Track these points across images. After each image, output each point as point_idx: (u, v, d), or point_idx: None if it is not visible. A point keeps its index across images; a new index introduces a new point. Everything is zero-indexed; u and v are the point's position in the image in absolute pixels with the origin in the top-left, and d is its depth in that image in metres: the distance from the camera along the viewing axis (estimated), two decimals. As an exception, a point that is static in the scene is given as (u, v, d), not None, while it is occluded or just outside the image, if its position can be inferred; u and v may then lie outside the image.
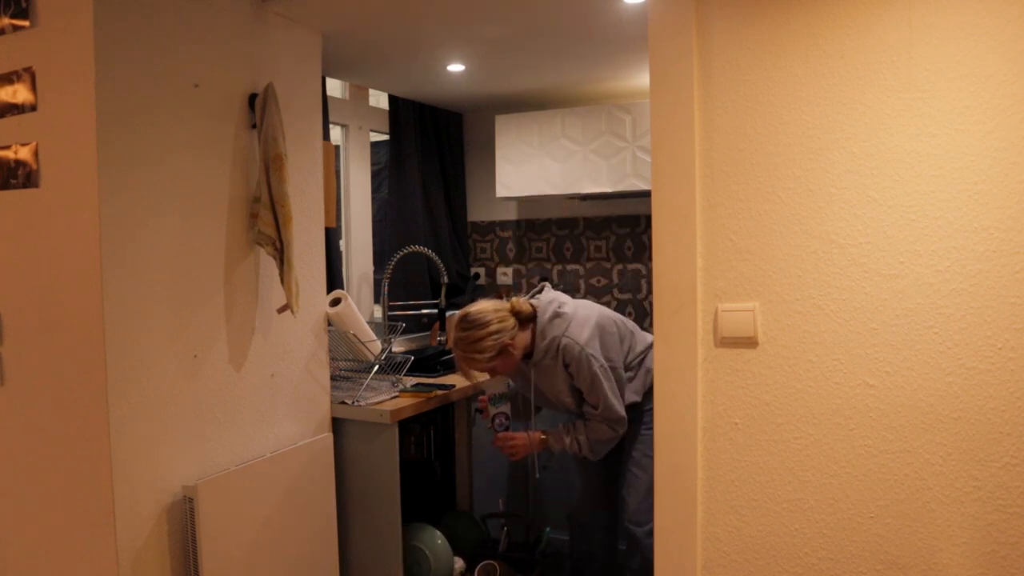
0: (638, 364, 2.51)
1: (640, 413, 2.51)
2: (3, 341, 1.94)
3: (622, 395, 2.43)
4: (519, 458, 2.54)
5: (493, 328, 2.35)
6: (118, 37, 1.79)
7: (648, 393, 2.49)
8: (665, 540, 1.72)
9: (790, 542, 1.63)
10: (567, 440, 2.46)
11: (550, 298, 2.46)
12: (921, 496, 1.51)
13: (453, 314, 3.55)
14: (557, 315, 2.40)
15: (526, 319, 2.41)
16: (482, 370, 2.43)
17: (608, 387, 2.37)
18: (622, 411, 2.40)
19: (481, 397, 2.56)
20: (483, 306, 2.40)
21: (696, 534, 1.69)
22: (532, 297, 2.50)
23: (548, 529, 2.89)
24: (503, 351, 2.36)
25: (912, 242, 1.49)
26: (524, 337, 2.41)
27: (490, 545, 2.81)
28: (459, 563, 2.71)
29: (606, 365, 2.38)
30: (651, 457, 2.47)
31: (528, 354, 2.43)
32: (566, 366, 2.38)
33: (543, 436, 2.50)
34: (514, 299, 2.44)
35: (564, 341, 2.36)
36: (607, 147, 3.32)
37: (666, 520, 1.71)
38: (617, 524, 2.70)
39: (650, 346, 2.56)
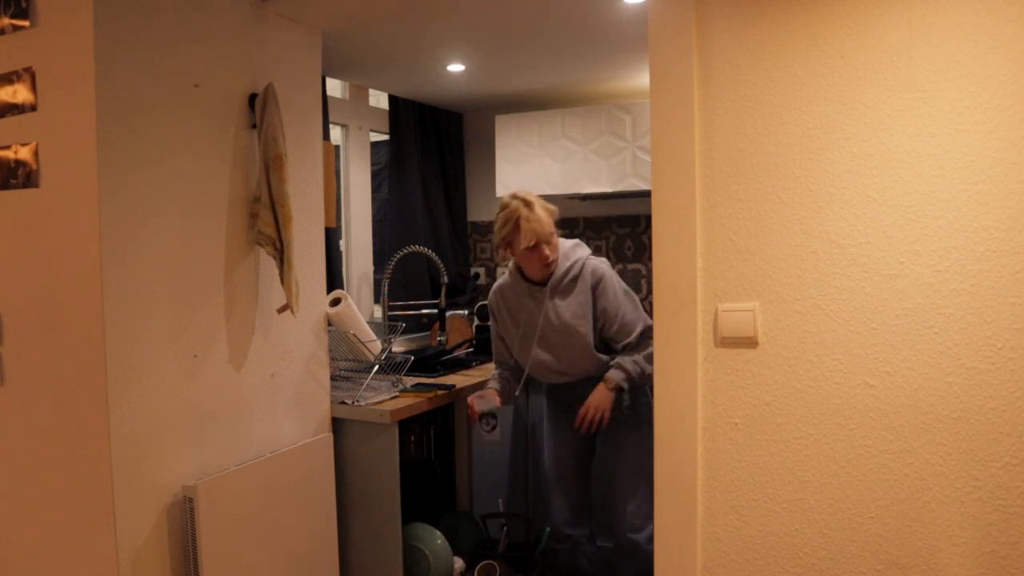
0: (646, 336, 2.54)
1: (625, 417, 2.50)
2: (3, 341, 1.94)
3: None
4: (608, 419, 2.46)
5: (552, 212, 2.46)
6: (118, 37, 1.79)
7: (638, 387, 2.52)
8: (665, 540, 1.72)
9: (790, 542, 1.63)
10: (630, 369, 2.43)
11: (570, 241, 2.57)
12: (921, 496, 1.51)
13: (453, 314, 3.57)
14: (579, 244, 2.52)
15: None
16: (543, 237, 2.41)
17: (639, 304, 2.48)
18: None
19: (470, 399, 2.58)
20: None
21: (696, 534, 1.69)
22: None
23: (548, 529, 2.89)
24: (554, 231, 2.45)
25: (912, 242, 1.49)
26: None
27: (490, 545, 2.81)
28: (459, 563, 2.71)
29: (629, 290, 2.48)
30: (643, 462, 2.46)
31: (542, 283, 2.48)
32: (593, 287, 2.44)
33: (606, 386, 2.45)
34: None
35: (592, 262, 2.46)
36: (607, 147, 3.32)
37: (666, 520, 1.71)
38: (596, 531, 2.70)
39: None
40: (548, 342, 2.52)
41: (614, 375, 2.45)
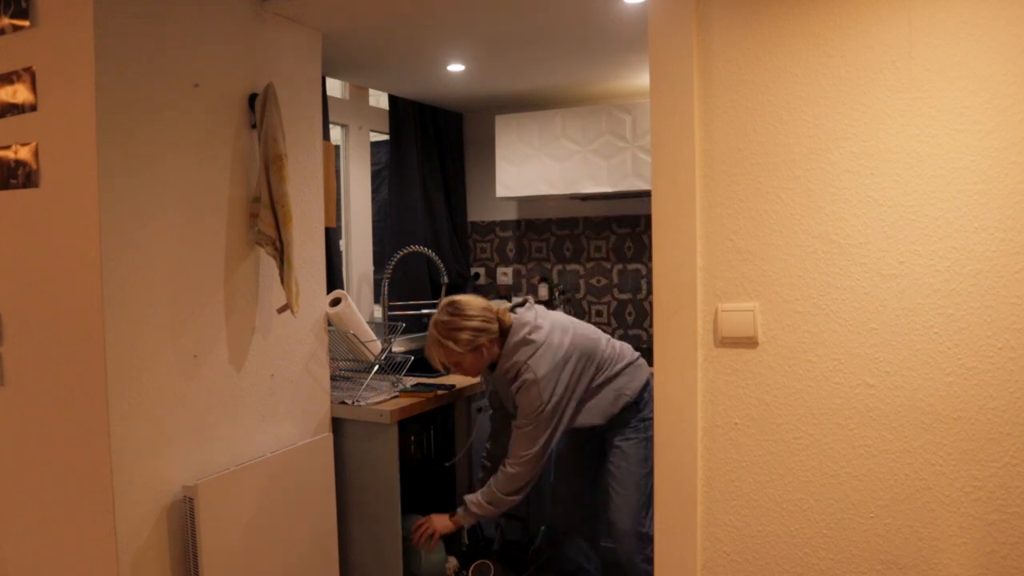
0: (604, 383, 2.43)
1: (625, 420, 2.47)
2: (3, 341, 1.94)
3: (567, 424, 2.39)
4: (435, 541, 2.48)
5: (476, 324, 2.31)
6: (118, 37, 1.79)
7: (614, 418, 2.45)
8: (665, 540, 1.72)
9: (790, 542, 1.63)
10: (477, 511, 2.41)
11: (526, 320, 2.37)
12: (921, 496, 1.51)
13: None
14: (527, 342, 2.32)
15: (504, 331, 2.37)
16: (450, 362, 2.37)
17: (542, 433, 2.33)
18: (537, 451, 2.34)
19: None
20: (474, 300, 2.37)
21: (696, 534, 1.69)
22: (513, 309, 2.45)
23: (543, 528, 2.89)
24: (477, 350, 2.33)
25: (912, 242, 1.49)
26: (496, 347, 2.38)
27: (485, 544, 2.81)
28: (453, 562, 2.71)
29: (549, 407, 2.32)
30: (633, 472, 2.45)
31: (492, 365, 2.41)
32: (516, 391, 2.34)
33: (452, 517, 2.46)
34: (500, 308, 2.41)
35: (526, 375, 2.30)
36: (607, 147, 3.32)
37: (666, 520, 1.71)
38: (600, 529, 2.70)
39: (627, 365, 2.47)
40: (500, 403, 2.62)
41: (463, 517, 2.43)
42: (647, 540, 2.41)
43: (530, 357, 2.31)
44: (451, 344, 2.31)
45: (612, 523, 2.47)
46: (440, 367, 2.45)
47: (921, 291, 1.49)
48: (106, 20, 1.75)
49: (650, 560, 2.34)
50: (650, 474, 2.44)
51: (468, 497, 2.44)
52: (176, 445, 1.96)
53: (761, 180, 1.61)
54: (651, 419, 2.41)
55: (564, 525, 2.74)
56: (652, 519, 2.25)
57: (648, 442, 2.45)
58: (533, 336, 2.33)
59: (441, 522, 2.46)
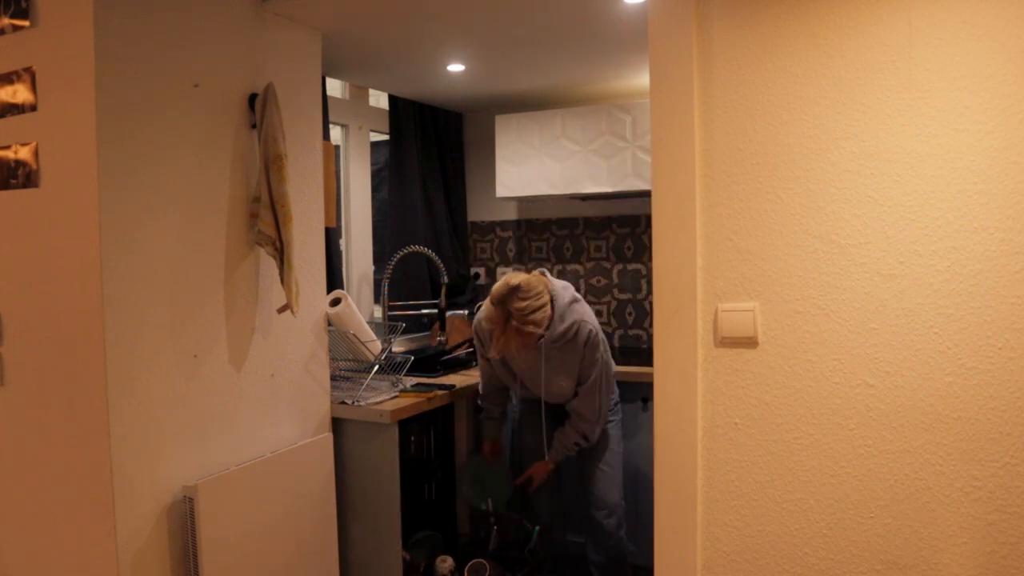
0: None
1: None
2: (3, 341, 1.94)
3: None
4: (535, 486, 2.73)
5: (545, 299, 2.36)
6: (118, 37, 1.79)
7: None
8: (665, 540, 1.72)
9: (790, 542, 1.63)
10: (569, 445, 2.63)
11: (563, 284, 2.50)
12: (921, 496, 1.51)
13: (453, 314, 3.57)
14: (576, 300, 2.46)
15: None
16: (524, 344, 2.37)
17: (604, 384, 2.53)
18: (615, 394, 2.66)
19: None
20: (529, 278, 2.38)
21: (696, 534, 1.69)
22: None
23: (538, 528, 2.89)
24: (548, 325, 2.39)
25: (912, 242, 1.49)
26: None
27: (480, 544, 2.81)
28: (449, 561, 2.71)
29: (608, 353, 2.56)
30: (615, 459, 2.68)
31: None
32: (583, 345, 2.44)
33: (550, 463, 2.69)
34: (543, 278, 2.44)
35: (588, 326, 2.44)
36: (607, 147, 3.32)
37: (666, 520, 1.71)
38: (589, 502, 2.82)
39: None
40: (543, 380, 2.57)
41: (557, 454, 2.66)
42: (625, 512, 2.71)
43: (583, 314, 2.44)
44: (531, 328, 2.33)
45: (602, 499, 2.65)
46: (498, 354, 2.46)
47: (921, 291, 1.49)
48: (106, 20, 1.75)
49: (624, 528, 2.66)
50: (623, 451, 2.73)
51: (558, 443, 2.63)
52: (176, 445, 1.96)
53: (761, 180, 1.61)
54: (620, 402, 2.75)
55: (557, 515, 2.87)
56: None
57: (621, 424, 2.73)
58: (576, 295, 2.48)
59: (543, 471, 2.69)
